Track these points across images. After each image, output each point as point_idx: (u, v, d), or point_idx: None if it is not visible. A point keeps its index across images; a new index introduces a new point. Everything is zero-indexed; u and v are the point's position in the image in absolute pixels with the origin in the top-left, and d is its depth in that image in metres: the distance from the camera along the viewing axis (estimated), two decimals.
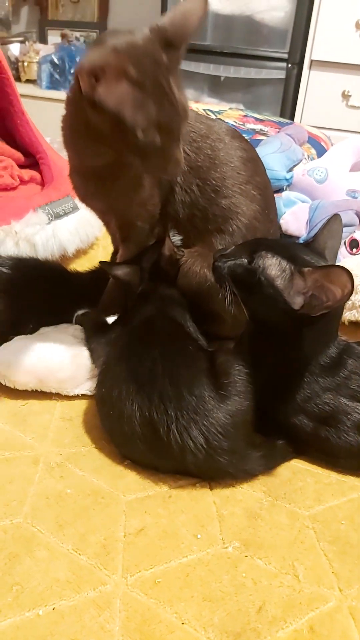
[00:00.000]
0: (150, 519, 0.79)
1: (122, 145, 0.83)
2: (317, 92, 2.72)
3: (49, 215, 1.32)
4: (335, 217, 0.93)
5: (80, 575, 0.70)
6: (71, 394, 1.02)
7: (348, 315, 1.22)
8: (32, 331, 1.07)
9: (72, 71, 3.01)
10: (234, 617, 0.66)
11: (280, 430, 0.91)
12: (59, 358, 1.00)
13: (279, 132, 1.81)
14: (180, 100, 0.81)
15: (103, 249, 1.47)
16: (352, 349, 0.90)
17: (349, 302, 1.21)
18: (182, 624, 0.65)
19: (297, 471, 0.90)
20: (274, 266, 0.82)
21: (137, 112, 0.77)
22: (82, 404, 1.02)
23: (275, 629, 0.65)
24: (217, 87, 2.85)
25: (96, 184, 0.99)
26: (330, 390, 0.87)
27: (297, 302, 0.81)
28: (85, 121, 0.84)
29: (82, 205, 1.41)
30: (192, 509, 0.81)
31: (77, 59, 2.99)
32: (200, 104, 2.17)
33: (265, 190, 1.11)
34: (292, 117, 2.73)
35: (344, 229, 1.34)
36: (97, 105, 0.77)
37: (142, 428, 0.84)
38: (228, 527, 0.79)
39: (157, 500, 0.83)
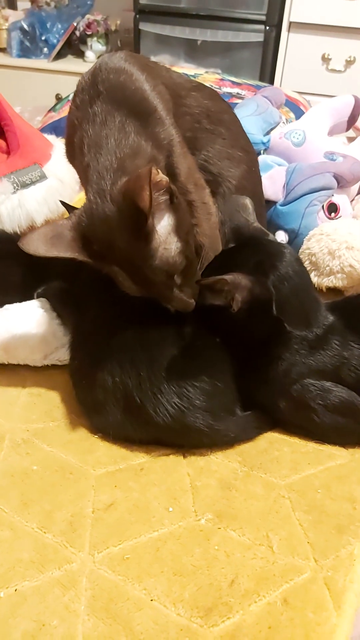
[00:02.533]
0: (120, 493, 0.76)
1: None
2: (296, 55, 2.64)
3: (15, 184, 1.26)
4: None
5: (44, 554, 0.67)
6: (40, 365, 0.98)
7: (326, 281, 1.19)
8: None
9: (43, 38, 2.91)
10: (205, 592, 0.63)
11: (264, 410, 0.89)
12: (25, 327, 0.96)
13: (255, 94, 1.75)
14: None
15: None
16: (336, 328, 0.86)
17: (327, 268, 1.18)
18: (151, 600, 0.62)
19: (273, 441, 0.87)
20: (203, 296, 0.84)
21: None
22: (51, 379, 0.98)
23: (247, 602, 0.62)
24: (194, 51, 2.76)
25: None
26: (315, 371, 0.83)
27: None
28: None
29: (50, 174, 1.36)
30: (165, 481, 0.78)
31: (48, 25, 2.89)
32: (176, 68, 2.09)
33: (250, 149, 1.14)
34: (271, 82, 2.66)
35: (322, 192, 1.31)
36: None
37: (116, 394, 0.82)
38: (201, 498, 0.76)
39: (128, 473, 0.80)
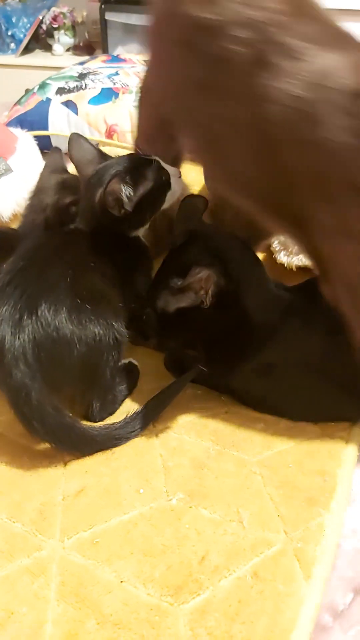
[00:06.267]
0: (91, 479, 0.76)
1: None
2: None
3: None
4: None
5: (14, 543, 0.67)
6: None
7: (295, 260, 1.18)
8: None
9: (9, 33, 2.88)
10: (176, 570, 0.63)
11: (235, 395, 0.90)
12: None
13: None
14: None
15: None
16: (297, 308, 0.85)
17: (296, 247, 1.17)
18: (121, 582, 0.62)
19: (246, 419, 0.86)
20: (166, 302, 0.82)
21: None
22: None
23: (217, 578, 0.62)
24: None
25: None
26: (281, 352, 0.83)
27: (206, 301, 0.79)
28: None
29: (16, 167, 1.35)
30: (137, 463, 0.78)
31: (14, 20, 2.85)
32: (142, 56, 2.08)
33: None
34: None
35: None
36: None
37: None
38: (173, 479, 0.76)
39: (99, 458, 0.79)
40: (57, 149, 1.16)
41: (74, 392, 0.83)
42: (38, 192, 1.10)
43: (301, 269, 1.19)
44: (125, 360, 0.93)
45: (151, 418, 0.84)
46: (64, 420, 0.77)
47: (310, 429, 0.84)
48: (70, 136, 0.97)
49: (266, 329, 0.82)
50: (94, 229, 0.90)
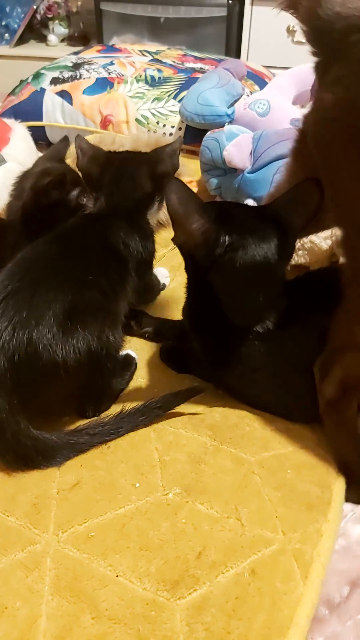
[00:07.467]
0: (86, 473, 0.74)
1: None
2: (261, 28, 2.60)
3: None
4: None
5: (7, 537, 0.66)
6: None
7: None
8: None
9: (3, 23, 2.85)
10: (172, 565, 0.62)
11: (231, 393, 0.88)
12: None
13: (216, 67, 1.72)
14: None
15: None
16: (296, 306, 0.83)
17: None
18: (117, 576, 0.61)
19: (243, 416, 0.85)
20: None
21: None
22: None
23: (215, 573, 0.61)
24: (158, 29, 2.71)
25: None
26: (277, 353, 0.81)
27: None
28: None
29: (9, 158, 1.33)
30: (132, 457, 0.77)
31: (7, 10, 2.82)
32: (137, 46, 2.06)
33: None
34: (237, 56, 2.62)
35: (287, 160, 1.29)
36: None
37: None
38: (170, 473, 0.74)
39: (94, 452, 0.78)
40: (66, 139, 1.14)
41: (66, 402, 0.83)
42: (23, 177, 1.09)
43: (296, 267, 1.17)
44: (123, 352, 0.92)
45: (140, 426, 0.82)
46: (43, 448, 0.76)
47: (307, 435, 0.81)
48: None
49: (262, 332, 0.81)
50: (110, 210, 0.94)
